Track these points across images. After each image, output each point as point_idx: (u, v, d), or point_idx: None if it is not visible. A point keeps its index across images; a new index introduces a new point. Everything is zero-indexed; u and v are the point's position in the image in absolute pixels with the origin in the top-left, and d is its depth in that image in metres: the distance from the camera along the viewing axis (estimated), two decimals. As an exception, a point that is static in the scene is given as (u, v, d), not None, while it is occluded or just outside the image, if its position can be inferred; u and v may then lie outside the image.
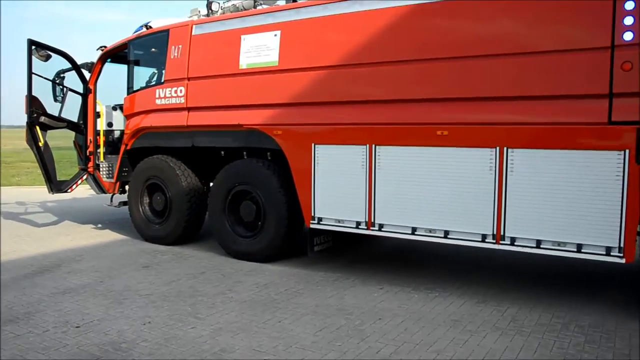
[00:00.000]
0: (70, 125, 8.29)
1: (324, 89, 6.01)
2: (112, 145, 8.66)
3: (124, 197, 8.40)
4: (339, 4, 5.93)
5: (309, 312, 4.95)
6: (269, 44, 6.41)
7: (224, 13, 7.77)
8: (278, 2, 7.03)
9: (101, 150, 8.45)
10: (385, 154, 5.67)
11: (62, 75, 8.22)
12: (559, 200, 4.87)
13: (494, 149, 5.10)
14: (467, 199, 5.26)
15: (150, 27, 7.61)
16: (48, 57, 7.93)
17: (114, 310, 4.98)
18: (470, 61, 5.20)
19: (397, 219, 5.65)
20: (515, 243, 5.08)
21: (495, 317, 4.84)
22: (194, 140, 7.23)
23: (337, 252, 7.03)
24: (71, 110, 8.43)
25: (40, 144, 7.90)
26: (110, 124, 8.65)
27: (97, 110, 8.45)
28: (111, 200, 8.50)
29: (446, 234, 5.39)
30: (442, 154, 5.35)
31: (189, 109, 7.15)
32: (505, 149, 5.05)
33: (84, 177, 8.39)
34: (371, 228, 5.80)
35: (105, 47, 8.24)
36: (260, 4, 7.08)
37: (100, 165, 8.47)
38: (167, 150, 7.68)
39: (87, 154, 8.37)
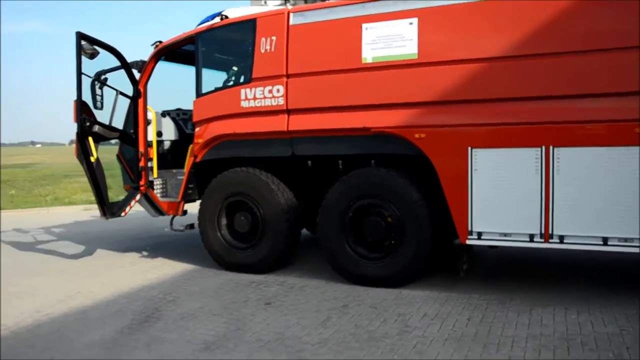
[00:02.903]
0: (122, 135, 6.90)
1: (485, 85, 5.20)
2: (162, 158, 7.34)
3: (187, 219, 7.16)
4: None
5: (538, 346, 4.11)
6: (403, 33, 5.51)
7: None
8: None
9: (154, 164, 7.12)
10: (566, 156, 4.96)
11: (102, 77, 6.79)
12: None
13: None
14: (676, 202, 4.67)
15: (226, 16, 6.43)
16: (94, 54, 6.53)
17: (307, 369, 3.92)
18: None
19: (583, 229, 4.95)
20: None
21: None
22: (294, 147, 6.15)
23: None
24: (104, 116, 6.96)
25: (93, 159, 6.48)
26: (159, 133, 7.34)
27: (149, 117, 7.12)
28: (171, 224, 7.17)
29: (647, 243, 4.77)
30: (642, 154, 4.72)
31: (289, 111, 6.08)
32: None
33: (137, 197, 7.02)
34: (549, 240, 5.07)
35: (160, 42, 6.93)
36: None
37: (154, 183, 7.15)
38: (247, 161, 6.54)
39: (139, 169, 7.01)
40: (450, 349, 4.14)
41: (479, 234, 5.32)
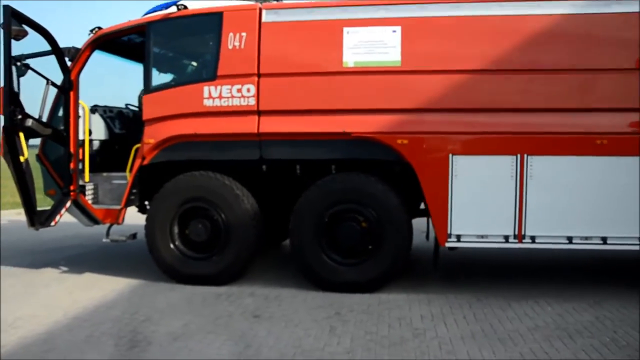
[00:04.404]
0: (54, 132, 5.88)
1: (466, 95, 5.50)
2: (91, 159, 6.41)
3: (126, 229, 6.36)
4: (475, 5, 5.51)
5: (546, 337, 4.44)
6: (386, 40, 5.58)
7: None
8: None
9: (86, 167, 6.20)
10: (538, 163, 5.46)
11: (23, 61, 5.75)
12: None
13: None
14: (630, 206, 5.35)
15: (185, 7, 5.87)
16: (20, 35, 5.51)
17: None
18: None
19: (552, 229, 5.50)
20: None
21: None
22: (263, 151, 5.84)
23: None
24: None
25: (22, 159, 5.43)
26: (90, 132, 6.42)
27: (80, 113, 6.20)
28: (107, 234, 6.29)
29: (604, 240, 5.44)
30: (602, 163, 5.38)
31: (260, 113, 5.77)
32: None
33: (68, 204, 6.04)
34: (522, 241, 5.52)
35: (100, 28, 6.08)
36: None
37: (86, 188, 6.23)
38: (200, 165, 6.03)
39: (70, 172, 6.06)
40: (474, 347, 4.30)
41: (458, 237, 5.59)
